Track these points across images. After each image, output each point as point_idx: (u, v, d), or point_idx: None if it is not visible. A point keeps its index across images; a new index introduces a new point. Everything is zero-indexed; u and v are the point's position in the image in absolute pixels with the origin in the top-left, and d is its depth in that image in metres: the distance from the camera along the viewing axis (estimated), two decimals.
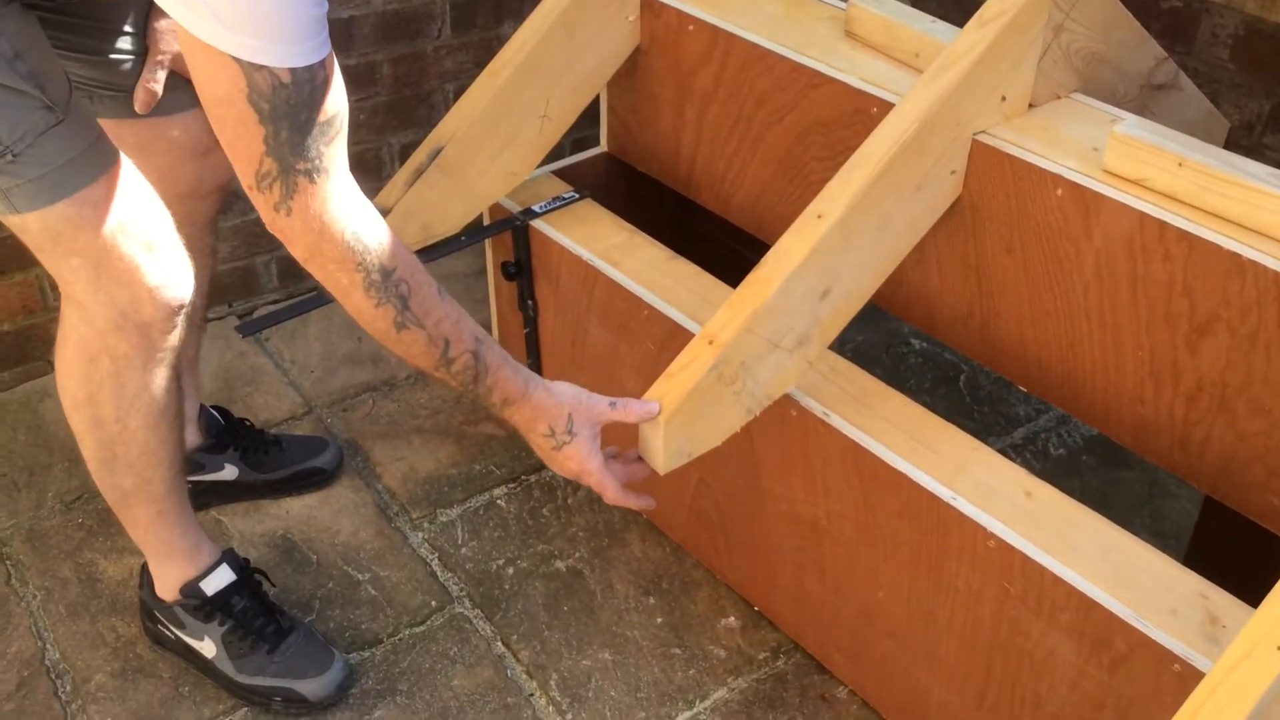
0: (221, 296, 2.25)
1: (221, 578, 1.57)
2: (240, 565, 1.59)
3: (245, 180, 1.09)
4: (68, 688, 1.60)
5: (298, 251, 1.14)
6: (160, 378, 1.40)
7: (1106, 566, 1.24)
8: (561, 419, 1.31)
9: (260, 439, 1.88)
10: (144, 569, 1.60)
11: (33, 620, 1.69)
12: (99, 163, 1.26)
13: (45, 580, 1.74)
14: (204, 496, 1.83)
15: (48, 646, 1.65)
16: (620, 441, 1.43)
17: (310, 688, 1.56)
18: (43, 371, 2.10)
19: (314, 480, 1.89)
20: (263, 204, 1.10)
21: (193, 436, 1.81)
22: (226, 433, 1.85)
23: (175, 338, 1.39)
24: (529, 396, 1.30)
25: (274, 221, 1.11)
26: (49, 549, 1.79)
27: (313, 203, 1.09)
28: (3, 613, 1.69)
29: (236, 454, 1.84)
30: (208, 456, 1.83)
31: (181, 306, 1.37)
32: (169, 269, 1.34)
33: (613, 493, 1.34)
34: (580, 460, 1.32)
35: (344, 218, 1.12)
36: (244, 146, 1.06)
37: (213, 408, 1.86)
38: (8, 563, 1.77)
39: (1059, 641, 1.27)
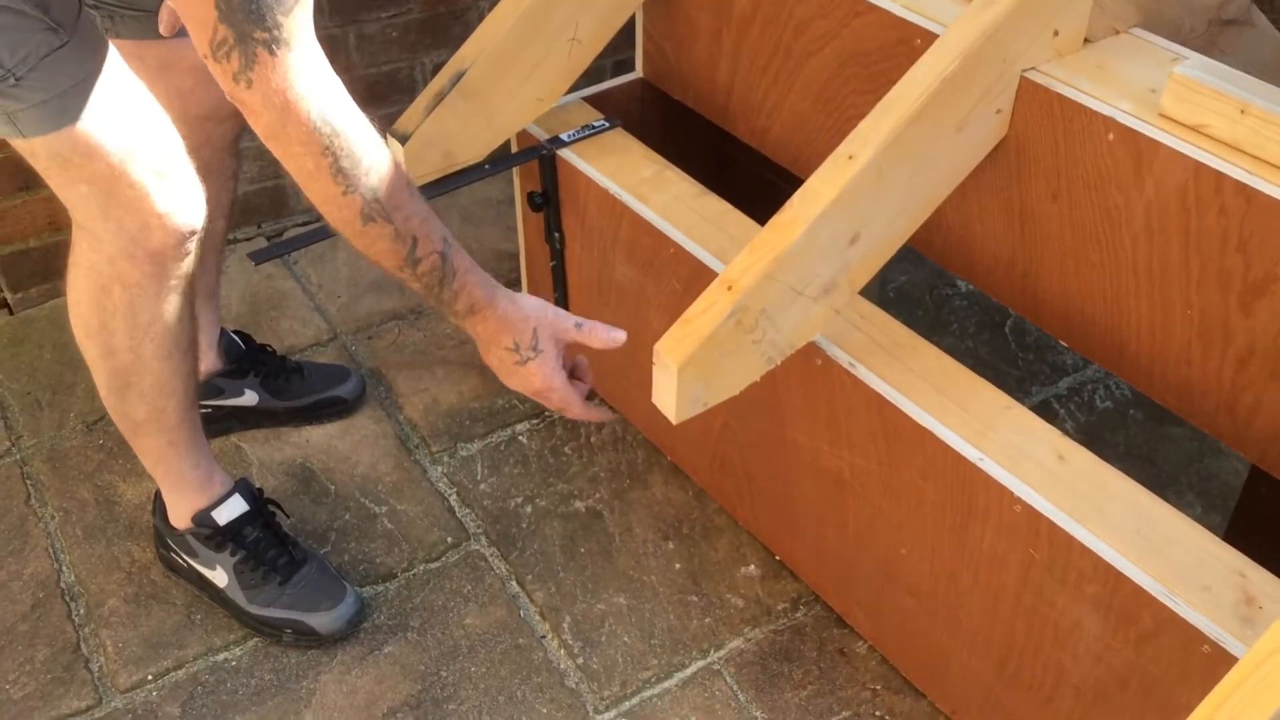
0: (250, 218, 2.21)
1: (234, 508, 1.55)
2: (253, 496, 1.58)
3: (201, 49, 1.03)
4: (81, 611, 1.60)
5: (259, 128, 1.08)
6: (173, 305, 1.37)
7: (1138, 537, 1.17)
8: (527, 334, 1.27)
9: (281, 365, 1.85)
10: (157, 495, 1.58)
11: (50, 541, 1.69)
12: (107, 87, 1.21)
13: (64, 502, 1.74)
14: (224, 422, 1.82)
15: (63, 569, 1.65)
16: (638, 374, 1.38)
17: (321, 621, 1.55)
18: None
19: (335, 409, 1.87)
20: (221, 75, 1.03)
21: (213, 361, 1.79)
22: (247, 358, 1.82)
23: (188, 265, 1.35)
24: (495, 306, 1.25)
25: (234, 93, 1.05)
26: (68, 470, 1.79)
27: (274, 76, 1.03)
28: (21, 532, 1.70)
29: (257, 380, 1.82)
30: (227, 381, 1.81)
31: (193, 233, 1.33)
32: (180, 195, 1.30)
33: (577, 409, 1.32)
34: (545, 377, 1.28)
35: (310, 96, 1.05)
36: (195, 8, 1.00)
37: (234, 332, 1.83)
38: (28, 482, 1.77)
39: (1084, 613, 1.21)
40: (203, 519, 1.54)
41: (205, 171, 1.38)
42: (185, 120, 1.36)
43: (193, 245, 1.34)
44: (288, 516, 1.65)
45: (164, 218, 1.29)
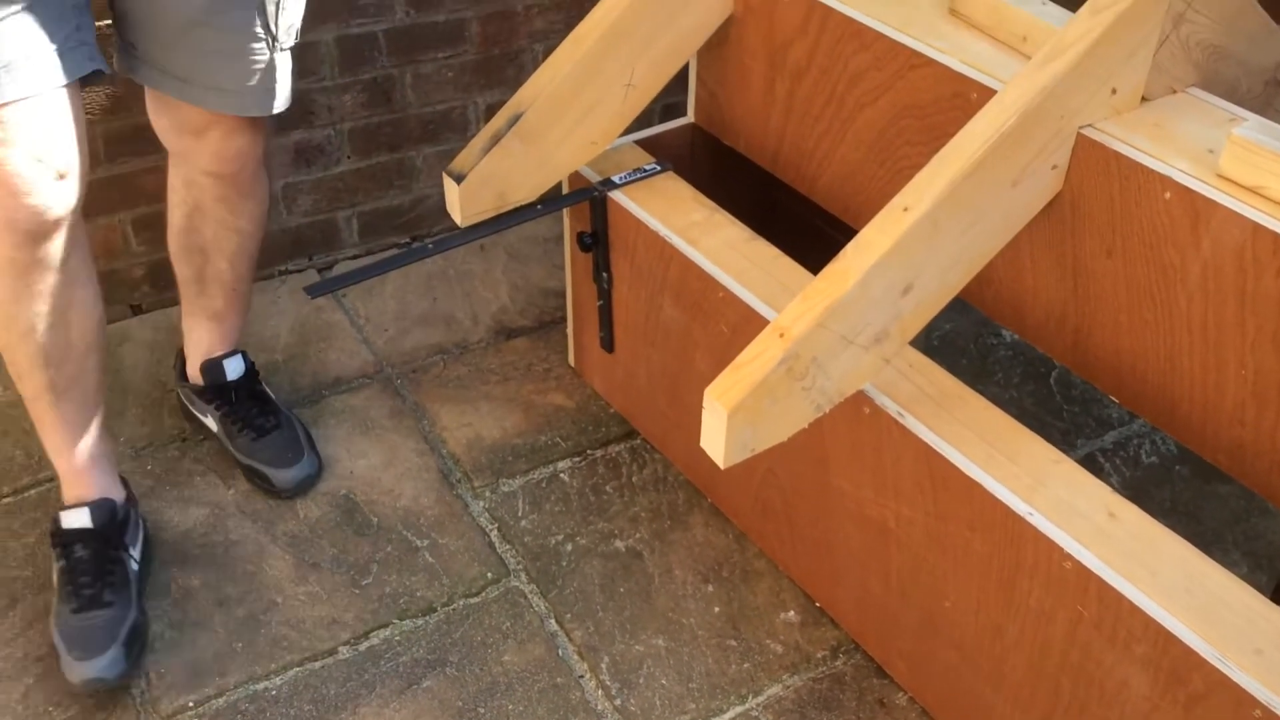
0: (302, 250, 2.25)
1: (76, 519, 1.60)
2: (108, 516, 1.61)
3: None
4: None
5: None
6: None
7: (1189, 598, 1.17)
8: None
9: (247, 415, 1.82)
10: None
11: None
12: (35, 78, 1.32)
13: None
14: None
15: None
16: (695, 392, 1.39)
17: None
18: (123, 315, 2.13)
19: (263, 484, 1.81)
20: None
21: (194, 375, 1.85)
22: (212, 390, 1.84)
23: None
24: None
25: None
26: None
27: None
28: None
29: (218, 413, 1.84)
30: (197, 399, 1.86)
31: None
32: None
33: None
34: None
35: None
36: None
37: (246, 362, 1.85)
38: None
39: (1133, 672, 1.20)
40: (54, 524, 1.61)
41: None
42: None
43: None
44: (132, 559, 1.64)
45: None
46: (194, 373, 1.84)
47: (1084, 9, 1.28)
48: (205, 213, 1.66)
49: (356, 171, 2.21)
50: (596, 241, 1.78)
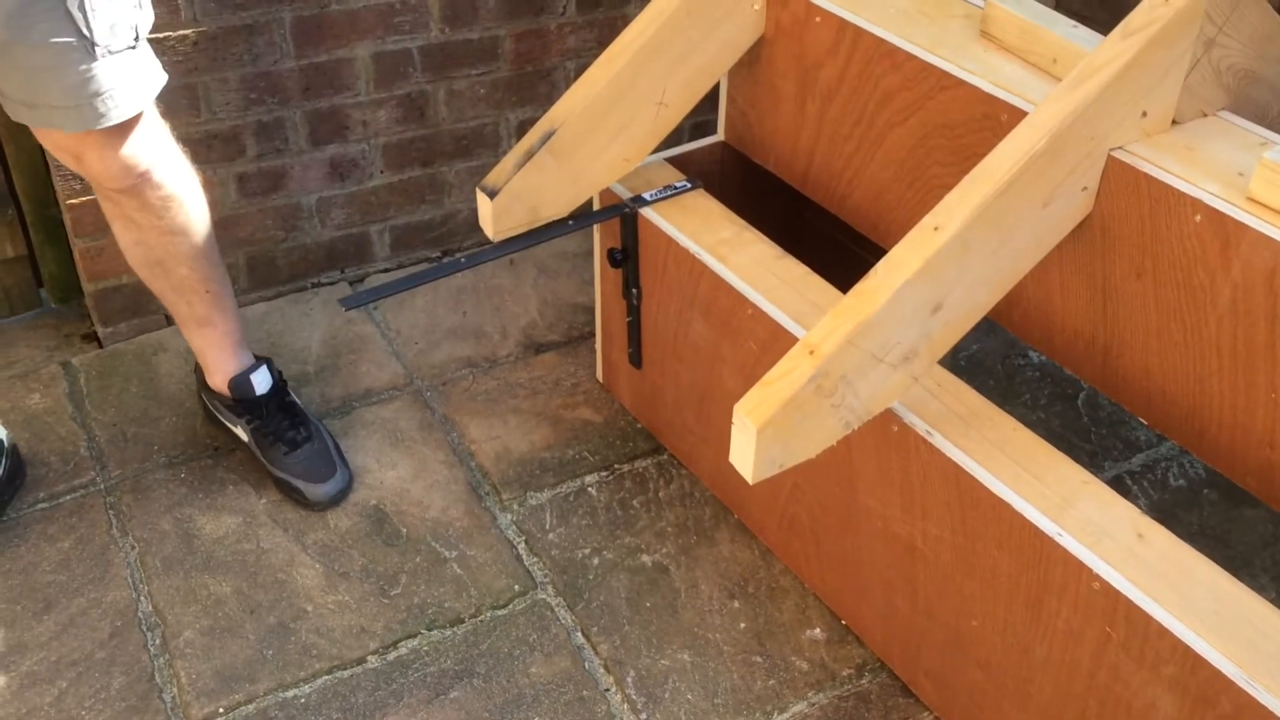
0: (334, 263, 2.27)
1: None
2: None
3: None
4: (157, 641, 1.64)
5: None
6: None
7: (1218, 620, 1.17)
8: None
9: (278, 429, 1.84)
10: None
11: (130, 571, 1.73)
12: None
13: (144, 532, 1.78)
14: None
15: (141, 599, 1.69)
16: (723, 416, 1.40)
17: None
18: (158, 325, 2.15)
19: (295, 496, 1.83)
20: None
21: (220, 386, 1.85)
22: (244, 405, 1.84)
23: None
24: None
25: None
26: (150, 502, 1.83)
27: None
28: (103, 561, 1.74)
29: (249, 426, 1.85)
30: (228, 411, 1.87)
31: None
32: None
33: None
34: None
35: None
36: None
37: (273, 371, 1.85)
38: (111, 512, 1.82)
39: (1160, 694, 1.20)
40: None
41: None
42: None
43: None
44: None
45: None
46: (218, 384, 1.84)
47: (1115, 32, 1.29)
48: (138, 224, 1.63)
49: (389, 186, 2.24)
50: (627, 257, 1.80)
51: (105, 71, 1.41)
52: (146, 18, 1.47)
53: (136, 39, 1.44)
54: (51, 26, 1.36)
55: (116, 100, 1.43)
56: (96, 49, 1.39)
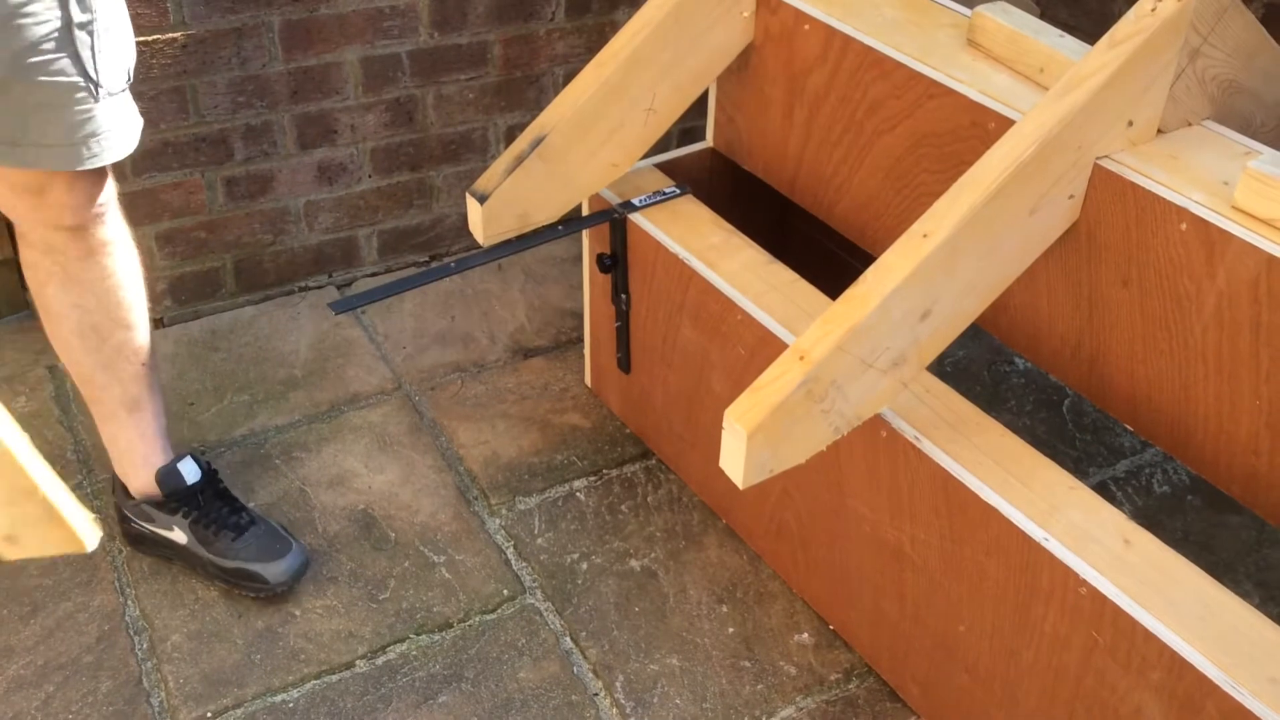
0: (321, 267, 2.27)
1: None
2: None
3: None
4: (144, 645, 1.63)
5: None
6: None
7: (1204, 626, 1.18)
8: None
9: (219, 515, 1.70)
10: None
11: (117, 575, 1.72)
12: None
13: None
14: (160, 548, 1.74)
15: (129, 603, 1.69)
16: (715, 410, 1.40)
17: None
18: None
19: (254, 585, 1.68)
20: None
21: (146, 485, 1.70)
22: (178, 496, 1.70)
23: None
24: None
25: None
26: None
27: None
28: (89, 565, 1.73)
29: (186, 521, 1.70)
30: (156, 511, 1.71)
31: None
32: None
33: None
34: None
35: None
36: None
37: (197, 459, 1.72)
38: (98, 516, 1.81)
39: (1147, 699, 1.21)
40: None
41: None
42: None
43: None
44: None
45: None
46: (142, 485, 1.70)
47: (1101, 42, 1.30)
48: (78, 279, 1.52)
49: (377, 190, 2.24)
50: (616, 263, 1.80)
51: (104, 113, 1.40)
52: (133, 58, 1.46)
53: (128, 80, 1.44)
54: (58, 65, 1.34)
55: (110, 142, 1.42)
56: (100, 90, 1.38)
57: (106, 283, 1.54)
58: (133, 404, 1.65)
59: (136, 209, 2.03)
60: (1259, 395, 1.26)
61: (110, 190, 1.51)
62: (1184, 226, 1.27)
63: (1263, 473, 1.29)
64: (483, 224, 1.64)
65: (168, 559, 1.74)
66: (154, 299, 2.14)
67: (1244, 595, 1.68)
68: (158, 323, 2.17)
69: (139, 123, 1.48)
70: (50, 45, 1.32)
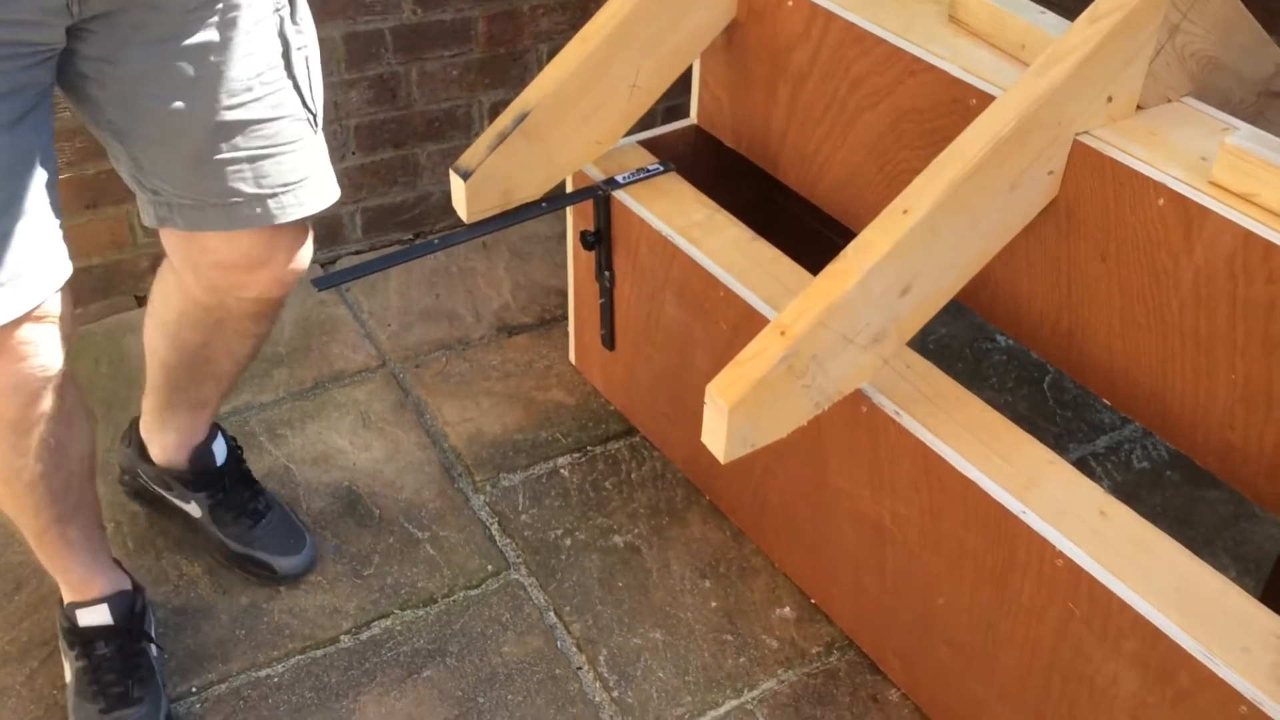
0: None
1: (97, 615, 1.48)
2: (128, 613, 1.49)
3: None
4: None
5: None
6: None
7: (1178, 596, 1.19)
8: None
9: (241, 501, 1.69)
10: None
11: None
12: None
13: (115, 514, 1.78)
14: (173, 515, 1.74)
15: None
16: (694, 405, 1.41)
17: None
18: (128, 305, 2.15)
19: (262, 571, 1.68)
20: None
21: (178, 459, 1.67)
22: (206, 476, 1.68)
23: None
24: None
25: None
26: (121, 483, 1.83)
27: None
28: None
29: (207, 500, 1.69)
30: (178, 484, 1.69)
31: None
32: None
33: None
34: None
35: None
36: None
37: (230, 443, 1.71)
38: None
39: (1122, 669, 1.23)
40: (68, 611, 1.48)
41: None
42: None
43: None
44: (161, 650, 1.58)
45: None
46: (171, 460, 1.66)
47: (1081, 18, 1.31)
48: (225, 331, 1.47)
49: (361, 167, 2.24)
50: (599, 240, 1.81)
51: (320, 148, 1.29)
52: None
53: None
54: (280, 99, 1.23)
55: (327, 180, 1.32)
56: (317, 120, 1.28)
57: (242, 338, 1.49)
58: (201, 404, 1.61)
59: (118, 187, 2.03)
60: (1235, 369, 1.27)
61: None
62: (1161, 202, 1.28)
63: (1238, 446, 1.31)
64: (466, 200, 1.64)
65: (165, 515, 1.73)
66: (137, 277, 2.14)
67: (1221, 569, 1.70)
68: (140, 299, 2.16)
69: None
70: (272, 74, 1.23)
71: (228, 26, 1.19)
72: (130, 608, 1.50)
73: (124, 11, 1.16)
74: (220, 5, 1.19)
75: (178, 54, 1.18)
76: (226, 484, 1.68)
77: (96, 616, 1.48)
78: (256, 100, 1.24)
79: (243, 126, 1.24)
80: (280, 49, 1.24)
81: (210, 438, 1.67)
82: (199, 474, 1.67)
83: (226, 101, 1.22)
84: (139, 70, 1.19)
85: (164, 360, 1.54)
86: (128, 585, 1.53)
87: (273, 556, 1.67)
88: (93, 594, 1.48)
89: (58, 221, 1.21)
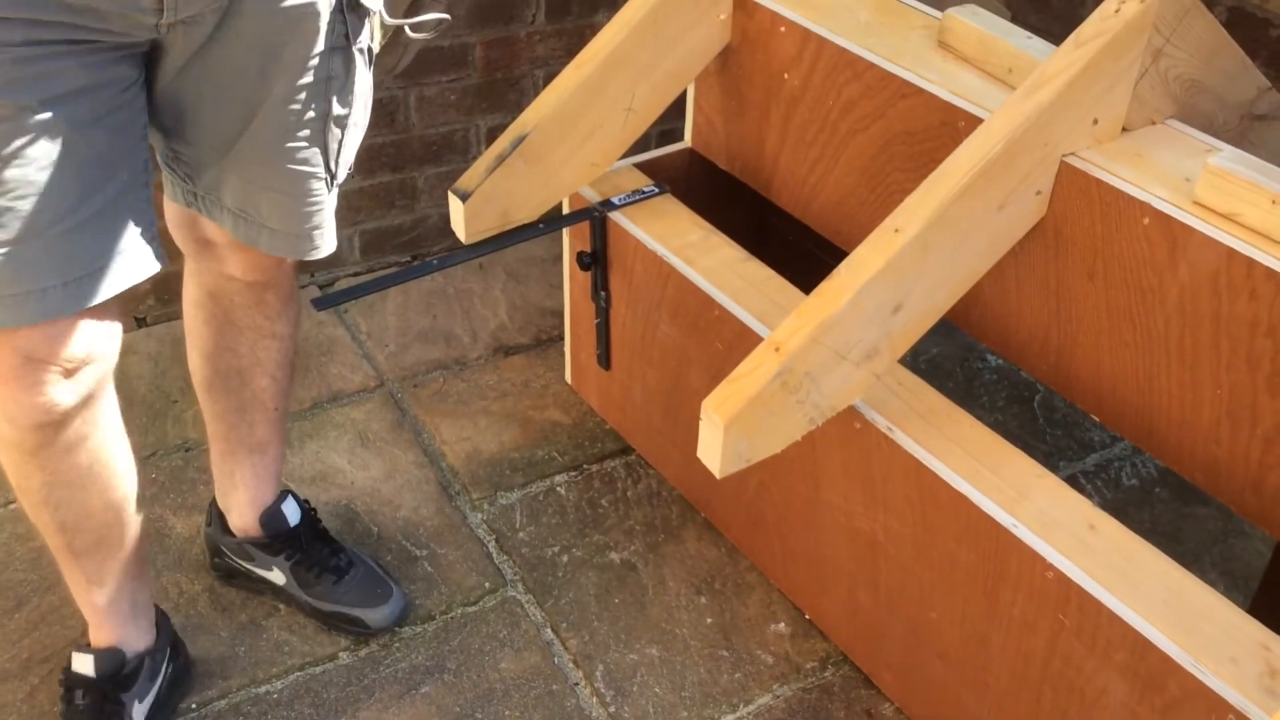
0: (304, 266, 2.29)
1: (80, 664, 1.48)
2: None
3: None
4: None
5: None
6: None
7: (1166, 608, 1.21)
8: None
9: (322, 558, 1.68)
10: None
11: None
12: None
13: None
14: (258, 586, 1.72)
15: None
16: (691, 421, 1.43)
17: None
18: (128, 327, 2.16)
19: (354, 628, 1.67)
20: None
21: (250, 526, 1.68)
22: (283, 538, 1.68)
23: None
24: None
25: None
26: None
27: None
28: None
29: (287, 563, 1.68)
30: (258, 551, 1.68)
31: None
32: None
33: None
34: None
35: None
36: None
37: (300, 501, 1.71)
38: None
39: (1112, 680, 1.24)
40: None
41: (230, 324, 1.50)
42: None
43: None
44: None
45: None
46: (247, 525, 1.67)
47: (1067, 43, 1.34)
48: (238, 325, 1.50)
49: (359, 190, 2.27)
50: (595, 260, 1.83)
51: (330, 204, 1.39)
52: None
53: (349, 173, 1.42)
54: (306, 155, 1.32)
55: (329, 234, 1.43)
56: (334, 181, 1.37)
57: (261, 337, 1.52)
58: (258, 446, 1.62)
59: None
60: (1220, 385, 1.30)
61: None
62: (1146, 221, 1.31)
63: (1224, 461, 1.33)
64: (464, 222, 1.67)
65: (259, 593, 1.72)
66: (137, 297, 2.16)
67: (1209, 584, 1.72)
68: (141, 321, 2.18)
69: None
70: (305, 134, 1.30)
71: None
72: (118, 666, 1.49)
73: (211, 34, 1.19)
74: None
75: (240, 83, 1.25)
76: (303, 543, 1.67)
77: (83, 665, 1.48)
78: (283, 150, 1.30)
79: (262, 168, 1.31)
80: (318, 114, 1.30)
81: (280, 499, 1.67)
82: (274, 537, 1.67)
83: (269, 141, 1.29)
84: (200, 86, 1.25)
85: (206, 382, 1.56)
86: (137, 643, 1.51)
87: (362, 610, 1.66)
88: (90, 639, 1.51)
89: (139, 229, 1.24)
